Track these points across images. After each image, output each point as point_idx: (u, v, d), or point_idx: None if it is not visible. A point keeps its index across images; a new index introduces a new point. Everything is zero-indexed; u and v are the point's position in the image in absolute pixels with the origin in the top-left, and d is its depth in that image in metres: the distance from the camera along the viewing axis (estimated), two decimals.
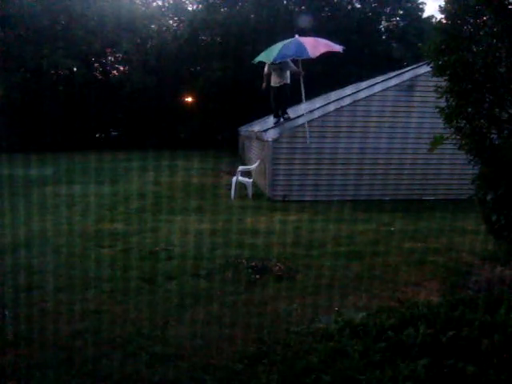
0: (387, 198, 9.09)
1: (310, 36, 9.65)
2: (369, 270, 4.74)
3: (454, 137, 4.13)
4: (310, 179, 9.06)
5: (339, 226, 6.69)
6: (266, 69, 9.32)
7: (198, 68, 24.46)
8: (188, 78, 23.36)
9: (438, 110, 4.19)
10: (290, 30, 17.72)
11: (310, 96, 15.09)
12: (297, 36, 8.86)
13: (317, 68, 21.84)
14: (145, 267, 4.79)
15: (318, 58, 8.33)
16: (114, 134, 26.77)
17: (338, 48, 8.71)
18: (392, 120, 9.14)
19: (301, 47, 8.36)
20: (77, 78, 21.21)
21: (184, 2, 26.16)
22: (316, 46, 8.47)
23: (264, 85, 9.42)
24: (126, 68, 24.21)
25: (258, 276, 4.48)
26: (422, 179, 9.33)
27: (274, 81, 9.27)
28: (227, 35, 22.88)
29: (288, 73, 9.15)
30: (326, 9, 24.62)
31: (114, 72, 24.94)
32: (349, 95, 9.41)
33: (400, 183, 9.32)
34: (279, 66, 9.04)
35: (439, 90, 4.08)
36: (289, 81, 9.19)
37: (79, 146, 20.03)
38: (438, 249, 5.51)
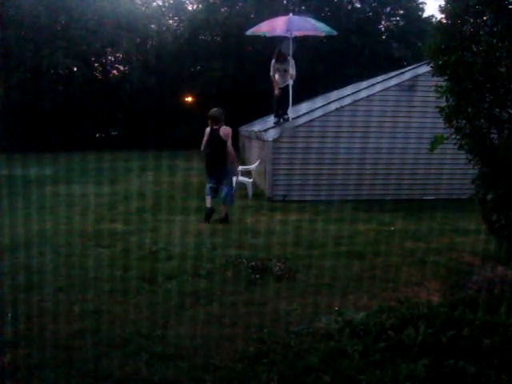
0: (388, 198, 9.08)
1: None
2: (369, 270, 4.74)
3: (454, 136, 4.13)
4: (311, 179, 9.05)
5: (340, 225, 6.69)
6: (271, 71, 9.38)
7: (198, 68, 24.44)
8: (188, 78, 23.34)
9: (438, 109, 4.18)
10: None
11: (311, 96, 15.11)
12: (290, 14, 10.03)
13: (317, 68, 21.86)
14: (145, 267, 4.78)
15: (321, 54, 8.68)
16: (113, 133, 26.74)
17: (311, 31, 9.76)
18: (392, 120, 9.13)
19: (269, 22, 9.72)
20: (76, 78, 21.17)
21: (184, 1, 26.13)
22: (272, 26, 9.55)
23: (277, 90, 9.36)
24: (126, 68, 24.18)
25: (258, 276, 4.48)
26: (423, 179, 9.32)
27: (278, 81, 9.30)
28: (227, 35, 22.87)
29: (290, 74, 9.15)
30: (326, 9, 24.60)
31: (114, 72, 24.92)
32: (349, 95, 9.41)
33: (401, 183, 9.32)
34: (284, 67, 9.10)
35: (439, 89, 4.08)
36: (291, 82, 9.20)
37: (79, 145, 20.01)
38: (439, 248, 5.51)
